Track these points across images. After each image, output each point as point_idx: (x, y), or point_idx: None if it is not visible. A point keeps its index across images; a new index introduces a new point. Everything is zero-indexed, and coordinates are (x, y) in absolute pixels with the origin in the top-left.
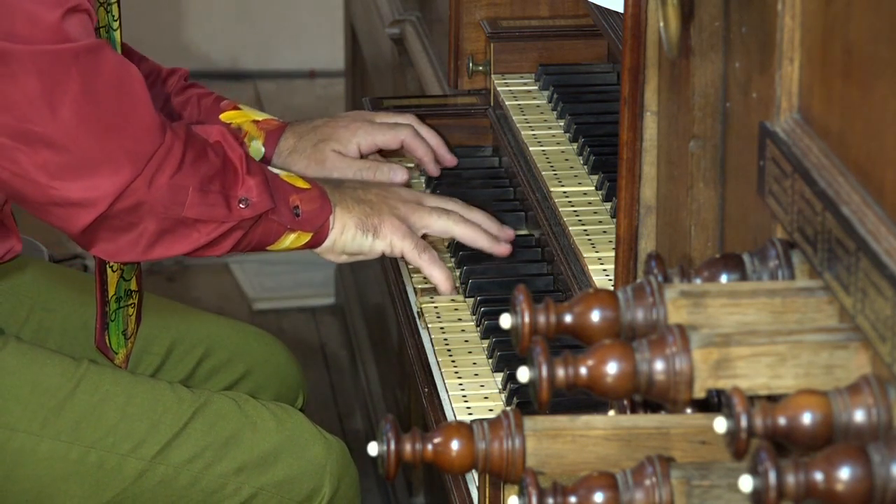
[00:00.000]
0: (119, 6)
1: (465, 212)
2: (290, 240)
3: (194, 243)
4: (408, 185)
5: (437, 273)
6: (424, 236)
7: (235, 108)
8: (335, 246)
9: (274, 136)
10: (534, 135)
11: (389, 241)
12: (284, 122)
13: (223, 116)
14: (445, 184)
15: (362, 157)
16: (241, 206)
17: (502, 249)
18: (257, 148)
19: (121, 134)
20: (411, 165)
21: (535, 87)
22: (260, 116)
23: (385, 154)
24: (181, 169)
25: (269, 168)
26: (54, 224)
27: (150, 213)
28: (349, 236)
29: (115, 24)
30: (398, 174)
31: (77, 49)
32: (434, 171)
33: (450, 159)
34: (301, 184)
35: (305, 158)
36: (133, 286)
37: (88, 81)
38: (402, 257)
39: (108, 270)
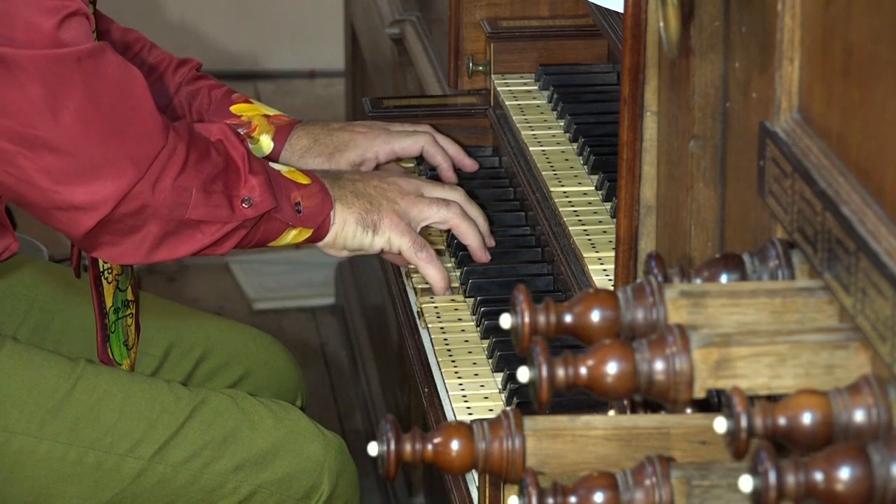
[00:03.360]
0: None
1: (466, 204)
2: (292, 235)
3: (198, 244)
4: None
5: (433, 272)
6: (426, 227)
7: (247, 101)
8: (336, 241)
9: (284, 131)
10: (534, 135)
11: (388, 237)
12: (295, 119)
13: (234, 108)
14: None
15: (378, 166)
16: (244, 205)
17: (484, 258)
18: (267, 142)
19: (124, 137)
20: (410, 165)
21: (535, 87)
22: (271, 111)
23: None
24: (185, 170)
25: (270, 164)
26: (57, 228)
27: (154, 215)
28: (349, 232)
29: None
30: None
31: (79, 53)
32: (452, 177)
33: (470, 164)
34: (302, 179)
35: (320, 166)
36: (129, 296)
37: (91, 86)
38: (400, 253)
39: (104, 283)
